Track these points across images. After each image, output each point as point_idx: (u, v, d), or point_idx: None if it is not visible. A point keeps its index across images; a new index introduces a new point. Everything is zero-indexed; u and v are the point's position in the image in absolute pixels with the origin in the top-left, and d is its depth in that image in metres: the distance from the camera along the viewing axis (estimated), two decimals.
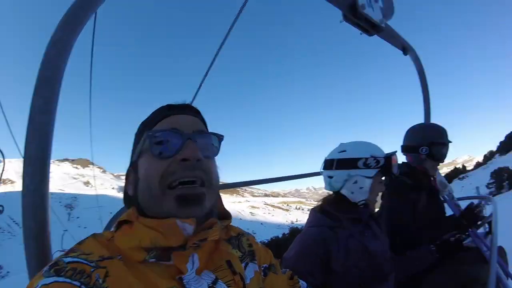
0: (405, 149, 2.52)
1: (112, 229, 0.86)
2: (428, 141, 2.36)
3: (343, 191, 1.71)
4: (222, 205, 1.01)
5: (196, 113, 0.97)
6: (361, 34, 2.40)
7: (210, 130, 0.99)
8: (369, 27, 2.31)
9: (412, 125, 2.55)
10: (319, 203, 1.85)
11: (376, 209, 2.06)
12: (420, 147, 2.36)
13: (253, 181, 2.62)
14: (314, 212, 1.80)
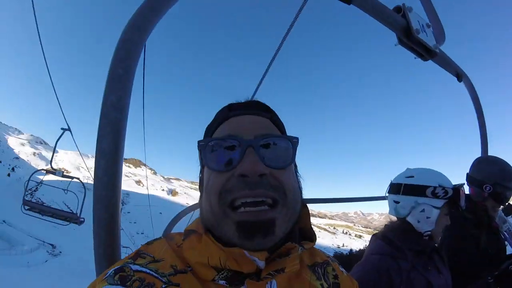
0: (469, 180, 2.38)
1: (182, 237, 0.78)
2: (493, 180, 2.22)
3: (409, 219, 1.65)
4: (309, 223, 0.85)
5: (263, 110, 0.82)
6: (415, 58, 2.39)
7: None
8: (424, 51, 2.29)
9: (479, 156, 2.50)
10: (382, 229, 1.78)
11: None
12: (484, 183, 2.23)
13: (325, 199, 2.61)
14: (375, 238, 1.73)
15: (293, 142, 0.75)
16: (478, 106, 3.03)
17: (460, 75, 2.83)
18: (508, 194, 2.24)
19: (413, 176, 1.70)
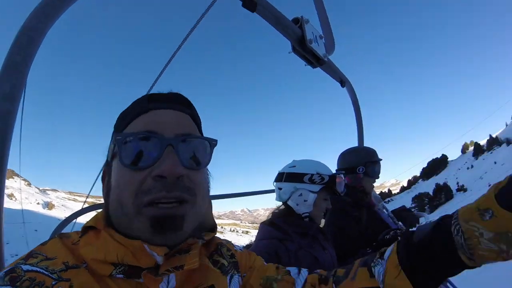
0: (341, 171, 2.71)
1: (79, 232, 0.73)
2: (363, 161, 2.57)
3: (289, 202, 1.84)
4: (211, 216, 0.87)
5: (185, 106, 0.79)
6: (305, 65, 2.65)
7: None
8: (314, 60, 2.55)
9: (344, 150, 2.79)
10: (269, 216, 1.94)
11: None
12: (357, 167, 2.56)
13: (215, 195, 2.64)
14: (263, 225, 1.85)
15: (212, 144, 0.75)
16: (357, 107, 3.47)
17: (343, 81, 3.23)
18: (378, 168, 2.61)
19: (295, 166, 1.91)
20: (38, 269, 0.60)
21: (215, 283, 0.76)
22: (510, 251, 0.57)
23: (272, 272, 0.93)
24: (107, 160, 0.77)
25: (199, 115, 0.84)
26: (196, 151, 0.72)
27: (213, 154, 0.76)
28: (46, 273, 0.59)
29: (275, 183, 1.97)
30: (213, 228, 0.84)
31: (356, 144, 3.51)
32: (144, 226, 0.64)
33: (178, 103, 0.78)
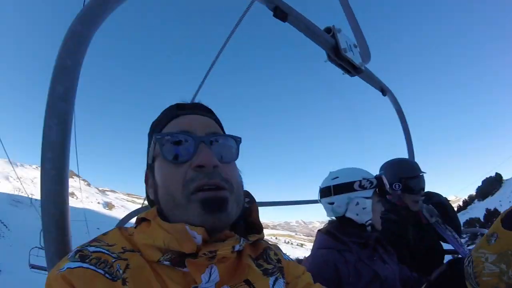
0: None
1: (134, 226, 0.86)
2: (398, 176, 2.40)
3: (348, 215, 1.74)
4: (257, 217, 0.92)
5: (208, 113, 0.91)
6: (343, 74, 2.59)
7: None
8: (351, 68, 2.50)
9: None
10: (326, 224, 1.87)
11: None
12: (392, 184, 2.38)
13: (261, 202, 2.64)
14: (320, 234, 1.81)
15: (237, 140, 0.85)
16: (402, 117, 3.33)
17: (384, 90, 3.13)
18: (417, 182, 2.40)
19: (338, 177, 1.83)
20: (102, 250, 0.71)
21: (255, 282, 0.80)
22: (510, 271, 0.62)
23: None
24: (148, 164, 0.88)
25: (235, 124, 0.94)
26: (224, 147, 0.82)
27: (239, 150, 0.86)
28: (108, 253, 0.70)
29: (322, 199, 1.89)
30: (259, 230, 0.91)
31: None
32: (196, 210, 0.72)
33: (202, 110, 0.91)
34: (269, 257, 0.92)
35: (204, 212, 0.71)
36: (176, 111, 0.87)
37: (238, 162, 0.88)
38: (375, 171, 1.89)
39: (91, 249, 0.70)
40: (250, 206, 0.93)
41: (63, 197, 0.97)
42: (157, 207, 0.82)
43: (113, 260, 0.68)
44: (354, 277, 1.55)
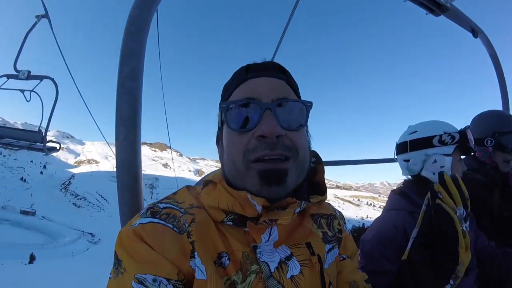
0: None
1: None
2: (491, 131, 2.08)
3: (424, 173, 1.59)
4: (322, 178, 0.92)
5: (279, 72, 0.86)
6: (427, 14, 2.33)
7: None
8: (435, 6, 2.23)
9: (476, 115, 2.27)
10: (400, 184, 1.74)
11: None
12: (485, 138, 2.09)
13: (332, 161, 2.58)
14: (393, 194, 1.69)
15: (307, 106, 0.81)
16: (497, 62, 2.93)
17: (475, 31, 2.75)
18: None
19: (416, 131, 1.66)
20: (171, 205, 0.77)
21: (314, 244, 0.83)
22: None
23: (360, 282, 0.94)
24: (218, 127, 0.89)
25: (297, 81, 0.91)
26: (292, 113, 0.78)
27: (309, 115, 0.82)
28: (176, 208, 0.76)
29: (397, 156, 1.73)
30: (323, 191, 0.91)
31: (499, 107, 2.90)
32: (254, 179, 0.74)
33: (273, 70, 0.85)
34: (332, 225, 0.94)
35: (261, 183, 0.73)
36: (244, 74, 0.84)
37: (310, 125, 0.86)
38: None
39: (162, 205, 0.76)
40: (315, 166, 0.92)
41: (135, 165, 1.08)
42: (222, 169, 0.86)
43: (181, 215, 0.74)
44: None
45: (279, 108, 0.76)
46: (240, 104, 0.77)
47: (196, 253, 0.69)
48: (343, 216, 1.03)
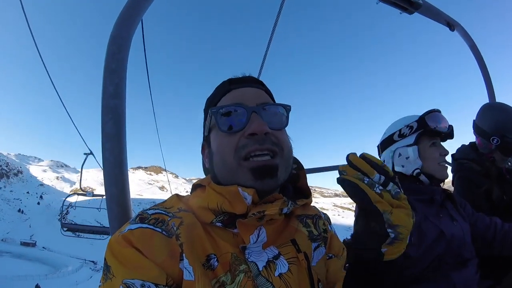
0: (476, 129, 2.23)
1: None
2: (501, 131, 2.05)
3: (396, 169, 1.66)
4: (305, 183, 0.99)
5: (257, 84, 0.96)
6: (401, 13, 2.38)
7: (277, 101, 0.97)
8: (407, 4, 2.29)
9: (487, 103, 2.29)
10: None
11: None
12: (491, 136, 2.08)
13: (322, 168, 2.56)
14: None
15: (287, 108, 0.91)
16: (477, 53, 2.96)
17: (451, 25, 2.80)
18: None
19: (384, 133, 1.75)
20: (159, 211, 0.80)
21: (300, 244, 0.87)
22: None
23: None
24: (204, 136, 0.96)
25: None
26: (275, 115, 0.88)
27: (289, 117, 0.92)
28: (165, 213, 0.79)
29: None
30: (307, 195, 0.97)
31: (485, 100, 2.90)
32: (246, 175, 0.80)
33: (252, 82, 0.95)
34: (318, 224, 0.99)
35: (254, 178, 0.79)
36: (228, 86, 0.93)
37: (292, 129, 0.95)
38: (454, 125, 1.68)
39: (150, 212, 0.79)
40: (298, 173, 0.99)
41: (123, 179, 1.10)
42: (210, 175, 0.92)
43: (169, 219, 0.77)
44: (417, 238, 1.47)
45: (263, 111, 0.86)
46: (229, 108, 0.85)
47: (184, 255, 0.71)
48: (328, 218, 1.09)
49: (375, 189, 0.65)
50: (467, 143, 2.33)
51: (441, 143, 1.66)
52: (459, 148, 2.31)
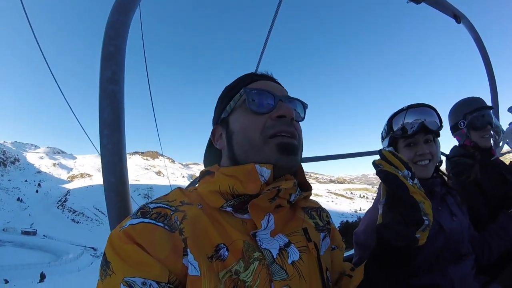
0: (451, 130, 2.44)
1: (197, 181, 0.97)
2: (462, 113, 2.27)
3: None
4: (304, 177, 1.01)
5: (279, 83, 1.01)
6: (408, 2, 2.38)
7: None
8: None
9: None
10: None
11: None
12: (458, 122, 2.29)
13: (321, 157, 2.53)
14: (382, 185, 1.72)
15: (305, 106, 0.98)
16: (482, 46, 2.95)
17: (458, 17, 2.78)
18: (482, 116, 2.19)
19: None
20: (161, 205, 0.79)
21: (309, 231, 0.90)
22: None
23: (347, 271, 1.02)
24: (220, 118, 0.96)
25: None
26: (297, 108, 0.95)
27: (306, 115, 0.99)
28: (167, 207, 0.78)
29: None
30: (308, 187, 1.00)
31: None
32: (272, 151, 0.83)
33: (272, 79, 1.00)
34: (322, 216, 1.04)
35: (280, 153, 0.82)
36: (253, 76, 0.98)
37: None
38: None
39: (152, 205, 0.78)
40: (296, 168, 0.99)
41: (121, 167, 1.08)
42: (230, 152, 0.90)
43: (172, 213, 0.76)
44: None
45: (288, 101, 0.92)
46: (261, 90, 0.89)
47: (188, 250, 0.70)
48: (327, 211, 1.12)
49: (408, 181, 0.74)
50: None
51: (438, 138, 1.65)
52: (451, 149, 2.40)
